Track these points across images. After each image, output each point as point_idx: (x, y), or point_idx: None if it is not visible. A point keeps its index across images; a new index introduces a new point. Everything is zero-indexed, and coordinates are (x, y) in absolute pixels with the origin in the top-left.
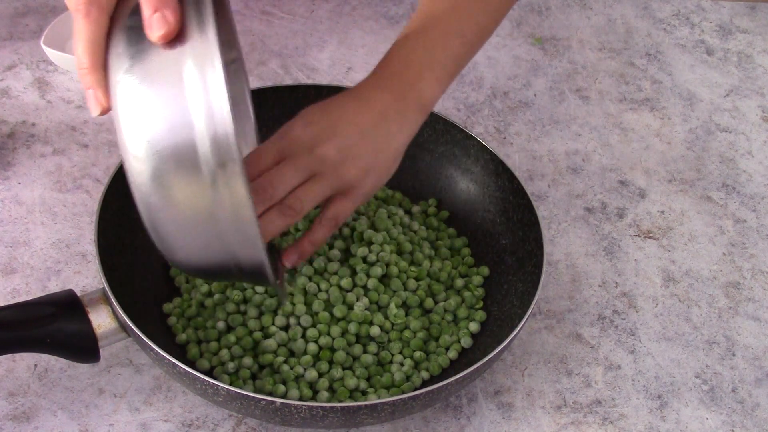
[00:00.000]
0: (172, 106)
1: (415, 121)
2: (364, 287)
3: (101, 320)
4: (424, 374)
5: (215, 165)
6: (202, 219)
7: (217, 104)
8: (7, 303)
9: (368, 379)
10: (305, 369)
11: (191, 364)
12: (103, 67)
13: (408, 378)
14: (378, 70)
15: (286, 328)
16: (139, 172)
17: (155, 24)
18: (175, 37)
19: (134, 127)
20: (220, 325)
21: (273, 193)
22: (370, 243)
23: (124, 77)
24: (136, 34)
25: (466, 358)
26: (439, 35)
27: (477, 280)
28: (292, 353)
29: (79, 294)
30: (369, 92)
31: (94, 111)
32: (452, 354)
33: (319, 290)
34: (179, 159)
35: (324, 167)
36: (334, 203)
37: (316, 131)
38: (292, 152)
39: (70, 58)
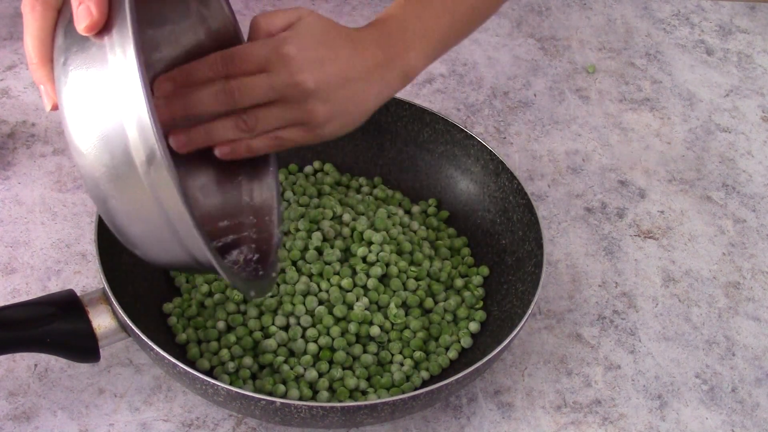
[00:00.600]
0: (101, 101)
1: (395, 88)
2: (364, 287)
3: (101, 320)
4: (424, 374)
5: (146, 164)
6: (148, 216)
7: (136, 101)
8: (7, 303)
9: (368, 379)
10: (305, 369)
11: (191, 364)
12: (50, 62)
13: (408, 378)
14: (375, 25)
15: (286, 328)
16: (82, 166)
17: (80, 16)
18: (104, 28)
19: (73, 120)
20: (220, 325)
21: (238, 100)
22: (370, 243)
23: (61, 71)
24: (72, 26)
25: (466, 358)
26: (433, 9)
27: (477, 280)
28: (292, 353)
29: (79, 294)
30: (365, 43)
31: (47, 106)
32: (452, 354)
33: (319, 290)
34: (114, 155)
35: (296, 95)
36: (288, 128)
37: (306, 58)
38: (274, 68)
39: None
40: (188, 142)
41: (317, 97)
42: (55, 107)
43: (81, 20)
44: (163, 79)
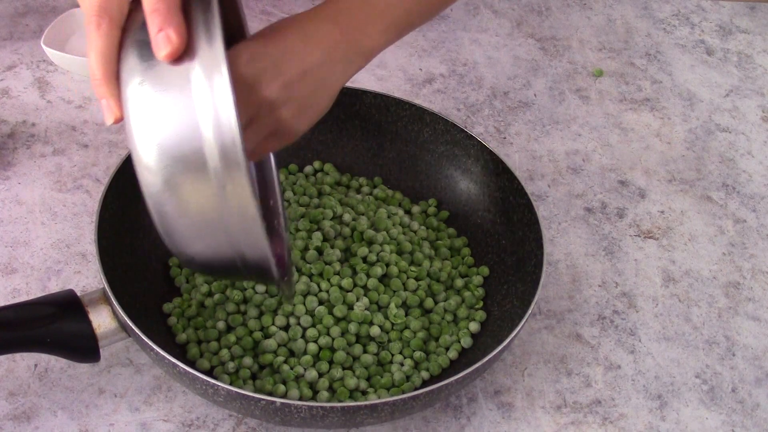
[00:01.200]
0: (181, 119)
1: (359, 65)
2: (364, 287)
3: (101, 320)
4: (424, 374)
5: (223, 172)
6: (211, 222)
7: (224, 114)
8: (7, 303)
9: (368, 379)
10: (305, 369)
11: (191, 364)
12: (115, 78)
13: (408, 378)
14: (332, 0)
15: (286, 328)
16: (151, 183)
17: (160, 43)
18: (184, 53)
19: (145, 139)
20: (220, 325)
21: None
22: (370, 243)
23: (134, 91)
24: (146, 49)
25: (466, 358)
26: None
27: (477, 280)
28: (292, 353)
29: (79, 294)
30: (317, 25)
31: (108, 120)
32: (452, 354)
33: (319, 290)
34: (189, 169)
35: (263, 110)
36: (260, 143)
37: (261, 68)
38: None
39: (69, 58)
40: None
41: (280, 102)
42: (118, 121)
43: (161, 48)
44: None
